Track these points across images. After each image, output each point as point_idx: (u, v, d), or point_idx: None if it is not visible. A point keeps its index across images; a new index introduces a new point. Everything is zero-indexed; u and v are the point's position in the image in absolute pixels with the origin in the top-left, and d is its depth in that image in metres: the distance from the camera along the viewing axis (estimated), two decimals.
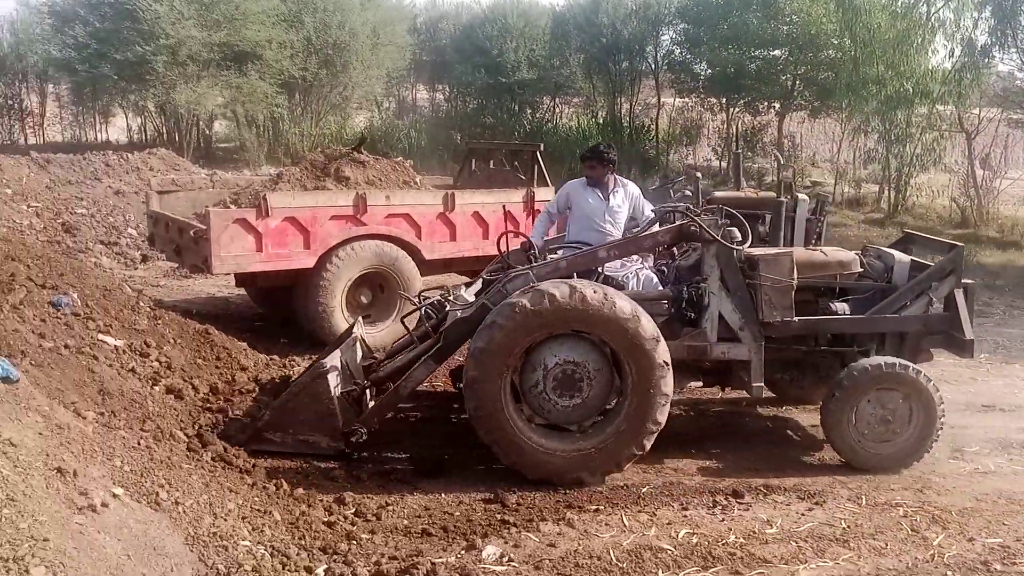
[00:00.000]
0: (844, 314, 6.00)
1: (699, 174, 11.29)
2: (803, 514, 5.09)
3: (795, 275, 5.73)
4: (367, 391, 5.98)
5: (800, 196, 10.50)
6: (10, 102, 25.50)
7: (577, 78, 25.10)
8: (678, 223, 5.77)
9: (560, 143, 22.88)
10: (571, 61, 24.50)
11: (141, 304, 6.79)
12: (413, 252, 8.46)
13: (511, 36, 24.58)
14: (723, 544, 4.66)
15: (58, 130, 26.64)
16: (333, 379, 5.59)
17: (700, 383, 6.14)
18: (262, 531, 4.34)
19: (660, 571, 4.37)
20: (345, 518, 4.80)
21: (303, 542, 4.41)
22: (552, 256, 6.16)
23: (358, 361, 6.50)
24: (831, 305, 6.04)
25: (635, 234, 6.02)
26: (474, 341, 5.34)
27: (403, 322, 6.71)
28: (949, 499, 5.35)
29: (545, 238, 6.54)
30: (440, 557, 4.40)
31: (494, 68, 24.45)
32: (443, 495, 5.25)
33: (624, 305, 5.24)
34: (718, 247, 5.64)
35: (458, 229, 8.71)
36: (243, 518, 4.36)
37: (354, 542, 4.51)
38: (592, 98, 25.72)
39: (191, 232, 7.84)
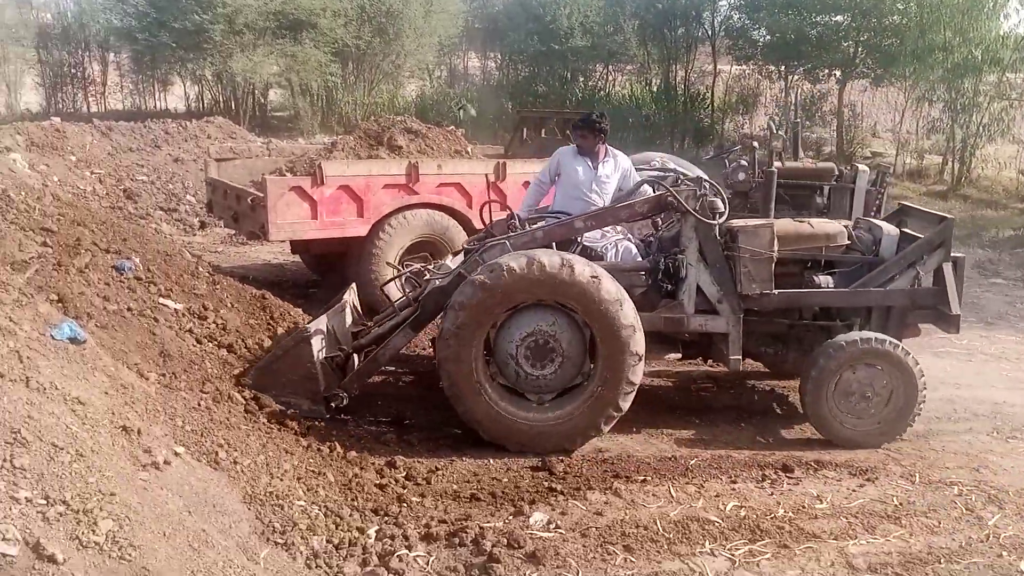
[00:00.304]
0: (827, 287, 5.92)
1: (755, 143, 11.08)
2: (854, 490, 5.04)
3: (775, 247, 5.66)
4: (352, 357, 6.02)
5: (860, 167, 10.26)
6: (73, 71, 26.14)
7: (631, 45, 24.67)
8: (655, 194, 5.75)
9: (613, 111, 22.65)
10: (625, 27, 24.08)
11: (200, 269, 6.96)
12: (464, 221, 8.50)
13: (564, 2, 24.24)
14: (771, 518, 4.65)
15: (119, 99, 27.22)
16: (317, 343, 5.64)
17: (679, 355, 6.11)
18: (316, 492, 4.46)
19: (707, 543, 4.38)
20: (396, 481, 4.90)
21: (355, 503, 4.52)
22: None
23: (347, 327, 6.52)
24: (815, 278, 5.96)
25: (612, 204, 5.97)
26: (442, 321, 5.40)
27: (382, 290, 6.72)
28: (1007, 479, 5.24)
29: (536, 208, 6.50)
30: (488, 522, 4.47)
31: (547, 35, 24.16)
32: (491, 461, 5.31)
33: (583, 269, 5.22)
34: (696, 219, 5.60)
35: (509, 198, 8.70)
36: (298, 478, 4.48)
37: (405, 504, 4.60)
38: (646, 65, 25.29)
39: (248, 199, 7.99)
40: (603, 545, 4.31)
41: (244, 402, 5.20)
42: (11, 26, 25.18)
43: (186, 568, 3.16)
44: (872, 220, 6.40)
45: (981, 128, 17.05)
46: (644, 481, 5.07)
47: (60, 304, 4.94)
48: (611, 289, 5.24)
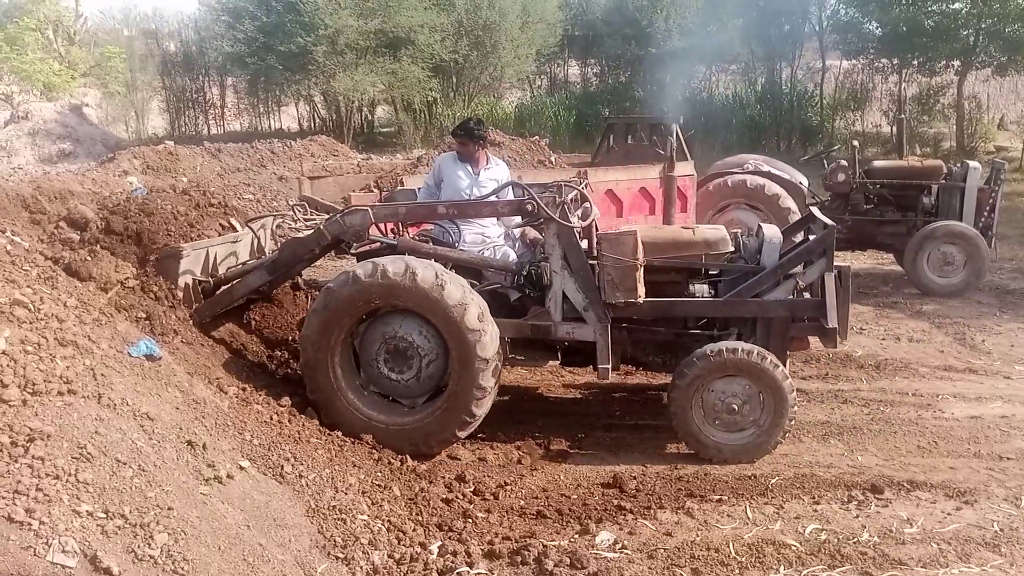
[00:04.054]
0: (702, 296, 5.66)
1: (856, 142, 10.60)
2: (949, 514, 4.67)
3: (639, 255, 5.39)
4: (219, 287, 6.03)
5: (971, 164, 9.68)
6: (195, 96, 27.77)
7: (734, 44, 24.09)
8: (516, 197, 5.63)
9: (716, 113, 22.15)
10: (728, 26, 23.53)
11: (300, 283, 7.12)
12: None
13: (662, 5, 23.89)
14: (854, 542, 4.37)
15: (237, 121, 28.69)
16: (185, 264, 5.69)
17: (557, 362, 5.95)
18: (381, 505, 4.49)
19: (782, 567, 4.16)
20: (463, 496, 4.89)
21: (420, 518, 4.54)
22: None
23: (241, 260, 6.40)
24: (692, 287, 5.71)
25: (476, 200, 5.90)
26: (305, 323, 5.44)
27: (251, 227, 6.65)
28: None
29: None
30: (553, 540, 4.40)
31: (644, 38, 23.90)
32: (562, 478, 5.24)
33: (427, 274, 5.12)
34: (557, 225, 5.43)
35: None
36: (363, 492, 4.53)
37: (470, 520, 4.58)
38: (751, 64, 24.63)
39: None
40: (670, 568, 4.16)
41: (319, 416, 5.30)
42: (140, 56, 26.95)
43: None
44: (763, 225, 6.09)
45: None
46: (719, 501, 4.87)
47: (148, 322, 5.19)
48: (455, 293, 5.14)
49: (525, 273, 5.73)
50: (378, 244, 5.70)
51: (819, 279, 5.53)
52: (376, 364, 5.42)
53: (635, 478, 5.15)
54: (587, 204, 6.01)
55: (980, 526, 4.53)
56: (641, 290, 5.48)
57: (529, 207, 5.53)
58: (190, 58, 27.69)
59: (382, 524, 4.32)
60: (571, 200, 5.73)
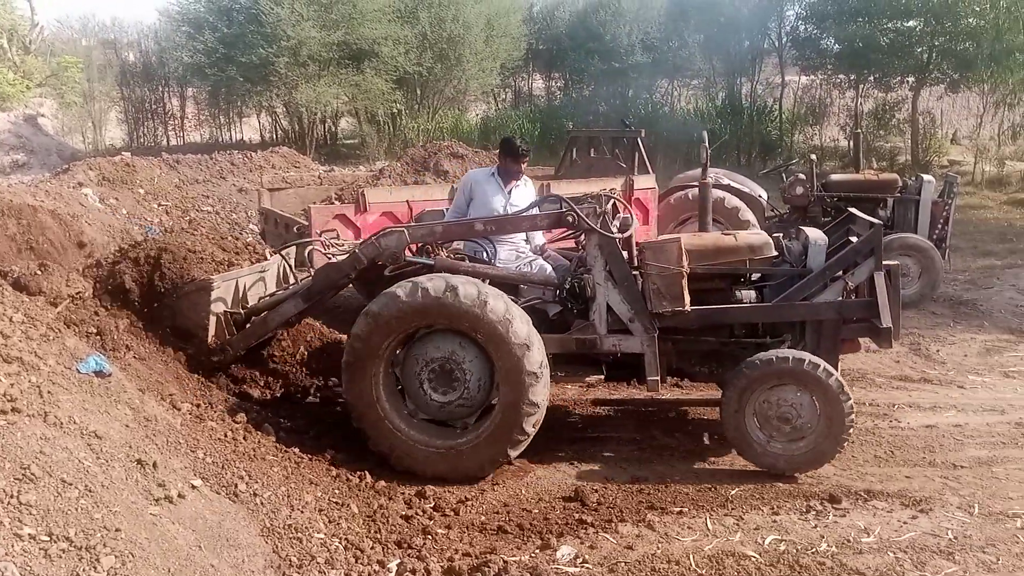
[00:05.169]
0: (749, 302, 5.60)
1: (814, 156, 10.76)
2: (905, 522, 4.73)
3: (684, 262, 5.36)
4: (251, 319, 5.94)
5: (925, 177, 9.88)
6: (154, 107, 27.34)
7: (695, 59, 24.38)
8: (557, 209, 5.55)
9: (677, 127, 22.35)
10: (689, 42, 23.81)
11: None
12: None
13: (624, 20, 24.12)
14: (812, 552, 4.40)
15: (198, 132, 28.30)
16: (217, 295, 5.59)
17: (602, 376, 5.85)
18: (338, 523, 4.42)
19: None
20: (423, 512, 4.83)
21: (378, 535, 4.47)
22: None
23: (269, 290, 6.36)
24: (737, 293, 5.65)
25: (515, 214, 5.82)
26: (346, 349, 5.30)
27: (282, 254, 6.61)
28: None
29: None
30: (513, 555, 4.36)
31: (607, 53, 24.09)
32: (524, 492, 5.20)
33: (468, 290, 5.06)
34: (599, 236, 5.40)
35: None
36: (320, 510, 4.46)
37: (429, 537, 4.53)
38: (712, 79, 24.93)
39: (295, 228, 8.13)
40: None
41: (275, 433, 5.21)
42: (98, 66, 26.49)
43: None
44: (805, 228, 6.07)
45: None
46: (680, 513, 4.88)
47: (99, 337, 5.07)
48: (498, 308, 5.07)
49: (568, 287, 5.63)
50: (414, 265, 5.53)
51: (868, 279, 5.46)
52: (421, 388, 5.30)
53: (596, 491, 5.13)
54: (626, 215, 5.82)
55: (935, 534, 4.59)
56: (687, 298, 5.41)
57: (570, 219, 5.46)
58: (150, 68, 27.25)
59: (339, 542, 4.26)
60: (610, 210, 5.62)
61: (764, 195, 10.80)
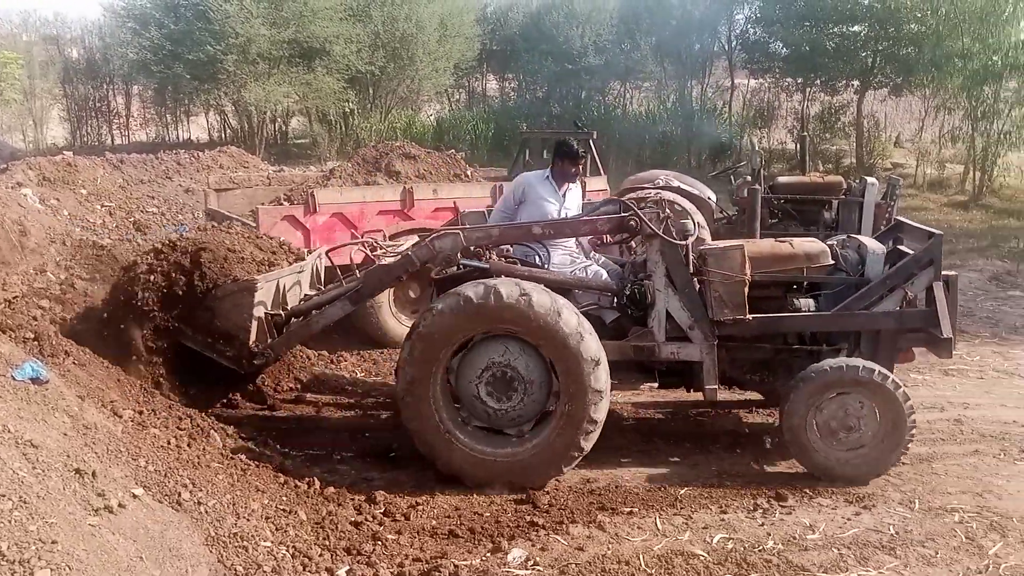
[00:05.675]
0: (808, 310, 5.61)
1: (759, 149, 10.91)
2: (849, 519, 4.83)
3: (747, 270, 5.36)
4: (291, 320, 5.84)
5: (868, 180, 10.09)
6: (98, 104, 26.66)
7: (647, 62, 24.61)
8: (619, 214, 5.48)
9: (629, 129, 22.54)
10: (641, 44, 24.04)
11: None
12: None
13: (577, 22, 24.26)
14: (760, 550, 4.46)
15: (144, 131, 27.67)
16: (260, 296, 5.46)
17: (656, 384, 5.82)
18: (285, 531, 4.34)
19: None
20: (373, 517, 4.77)
21: (327, 542, 4.40)
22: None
23: (305, 291, 6.28)
24: (795, 301, 5.65)
25: (574, 218, 5.79)
26: (405, 348, 5.16)
27: (327, 255, 6.47)
28: (1011, 504, 4.99)
29: None
30: (464, 559, 4.34)
31: (560, 55, 24.20)
32: (475, 495, 5.16)
33: (542, 299, 4.97)
34: (661, 242, 5.37)
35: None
36: (267, 518, 4.38)
37: (379, 543, 4.47)
38: (663, 82, 25.20)
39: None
40: None
41: (220, 440, 5.11)
42: (40, 62, 25.73)
43: None
44: (860, 238, 6.10)
45: (1003, 136, 16.69)
46: (630, 513, 4.91)
47: (36, 342, 4.92)
48: (571, 321, 4.98)
49: (628, 293, 5.52)
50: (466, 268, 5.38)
51: (926, 289, 5.46)
52: (477, 394, 5.17)
53: (548, 493, 5.14)
54: (687, 220, 5.67)
55: (877, 530, 4.69)
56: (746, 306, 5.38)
57: (632, 223, 5.37)
58: (94, 65, 26.56)
59: (287, 550, 4.18)
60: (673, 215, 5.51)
61: (713, 197, 10.92)
